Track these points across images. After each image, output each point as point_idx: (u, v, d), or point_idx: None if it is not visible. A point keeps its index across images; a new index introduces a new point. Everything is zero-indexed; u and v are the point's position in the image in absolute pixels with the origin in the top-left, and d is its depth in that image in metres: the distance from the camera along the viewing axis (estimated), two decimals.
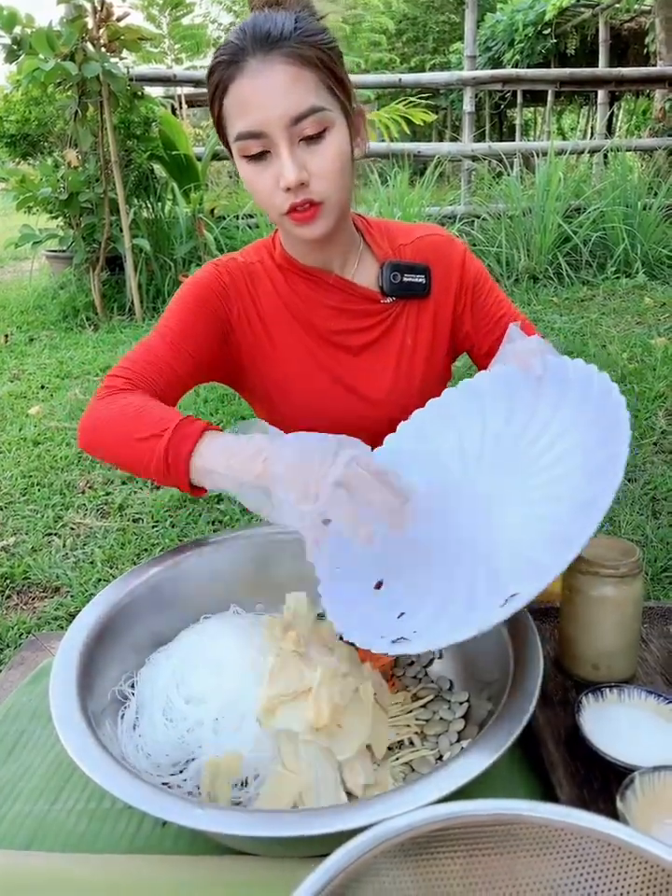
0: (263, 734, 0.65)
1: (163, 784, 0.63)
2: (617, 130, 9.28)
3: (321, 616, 0.81)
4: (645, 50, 8.32)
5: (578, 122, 12.42)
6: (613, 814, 0.60)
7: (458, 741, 0.68)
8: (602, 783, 0.63)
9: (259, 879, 0.57)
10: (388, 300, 0.96)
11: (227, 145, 0.84)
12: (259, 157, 0.79)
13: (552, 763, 0.65)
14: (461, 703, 0.72)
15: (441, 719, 0.71)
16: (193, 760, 0.65)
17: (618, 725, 0.67)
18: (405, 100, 5.22)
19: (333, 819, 0.49)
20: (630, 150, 5.30)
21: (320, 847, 0.54)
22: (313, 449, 0.63)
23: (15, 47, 3.57)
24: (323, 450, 0.62)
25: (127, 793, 0.51)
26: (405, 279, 0.94)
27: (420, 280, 0.95)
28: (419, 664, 0.79)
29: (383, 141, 5.12)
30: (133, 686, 0.72)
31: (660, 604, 0.89)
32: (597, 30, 8.04)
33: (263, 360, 0.97)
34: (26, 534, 2.02)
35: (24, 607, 1.73)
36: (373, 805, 0.50)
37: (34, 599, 1.76)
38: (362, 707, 0.65)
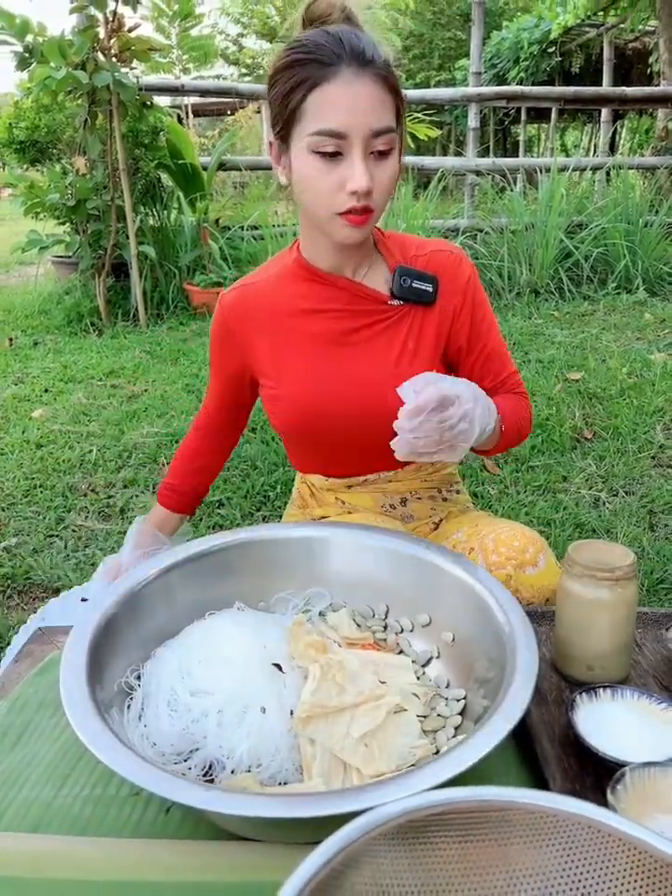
0: (265, 726, 0.66)
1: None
2: (619, 148, 9.37)
3: (359, 626, 0.84)
4: (648, 70, 8.41)
5: (581, 140, 12.52)
6: (604, 807, 0.62)
7: (455, 736, 0.70)
8: (594, 779, 0.65)
9: (261, 863, 0.58)
10: (396, 302, 1.01)
11: (284, 135, 0.88)
12: (331, 156, 0.84)
13: (545, 758, 0.67)
14: (458, 700, 0.74)
15: (438, 715, 0.73)
16: (197, 750, 0.66)
17: (610, 724, 0.69)
18: (410, 115, 5.28)
19: (333, 803, 0.51)
20: (632, 168, 5.36)
21: (320, 832, 0.56)
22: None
23: (27, 55, 3.62)
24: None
25: (135, 775, 0.53)
26: (415, 285, 0.99)
27: (428, 289, 1.00)
28: (418, 663, 0.81)
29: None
30: (139, 678, 0.74)
31: (654, 610, 0.91)
32: (602, 49, 8.15)
33: (270, 366, 1.04)
34: (28, 535, 2.04)
35: (25, 607, 1.75)
36: (371, 791, 0.52)
37: (35, 599, 1.77)
38: (393, 729, 0.68)
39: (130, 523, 2.08)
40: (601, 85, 7.59)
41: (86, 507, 2.19)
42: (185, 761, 0.66)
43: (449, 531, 1.10)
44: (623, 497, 2.15)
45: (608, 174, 5.19)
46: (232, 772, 0.64)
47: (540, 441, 2.47)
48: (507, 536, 0.98)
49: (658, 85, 6.45)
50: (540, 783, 0.67)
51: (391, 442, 0.81)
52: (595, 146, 9.10)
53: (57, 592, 1.80)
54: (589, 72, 9.36)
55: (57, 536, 2.05)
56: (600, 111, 6.45)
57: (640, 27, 8.17)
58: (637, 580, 0.75)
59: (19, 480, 2.35)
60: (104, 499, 2.24)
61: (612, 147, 8.23)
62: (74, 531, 2.07)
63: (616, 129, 9.68)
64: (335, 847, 0.47)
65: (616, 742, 0.67)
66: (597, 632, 0.74)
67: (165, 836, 0.63)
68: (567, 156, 9.34)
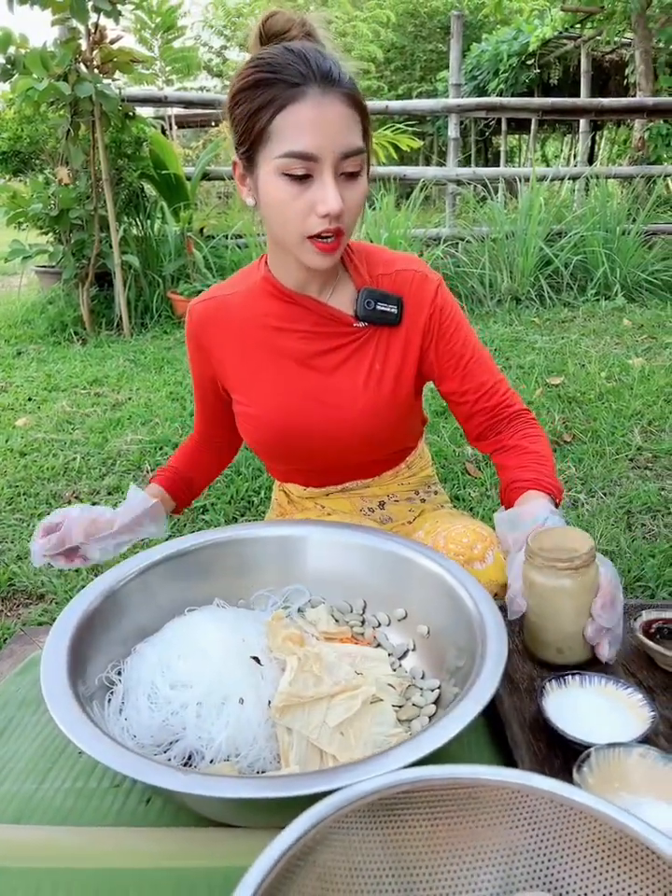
0: (243, 716, 0.68)
1: None
2: (598, 158, 9.51)
3: (337, 622, 0.86)
4: (625, 81, 8.57)
5: (561, 150, 12.70)
6: None
7: (430, 725, 0.72)
8: (562, 760, 0.67)
9: (240, 848, 0.60)
10: (360, 324, 1.00)
11: (249, 156, 0.86)
12: (301, 179, 0.83)
13: (515, 742, 0.69)
14: (432, 690, 0.76)
15: (413, 705, 0.75)
16: (177, 740, 0.68)
17: (578, 709, 0.71)
18: (392, 126, 5.35)
19: (306, 783, 0.53)
20: (610, 177, 5.45)
21: (296, 815, 0.58)
22: None
23: (9, 66, 3.63)
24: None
25: (114, 762, 0.55)
26: (379, 307, 0.98)
27: (392, 310, 0.99)
28: (394, 655, 0.83)
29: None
30: (119, 674, 0.75)
31: (625, 601, 0.93)
32: (579, 61, 8.28)
33: (240, 382, 1.04)
34: (12, 542, 2.04)
35: (9, 613, 1.75)
36: (344, 772, 0.54)
37: (18, 606, 1.78)
38: (369, 718, 0.70)
39: None
40: (579, 96, 7.71)
41: None
42: (165, 752, 0.67)
43: (414, 530, 1.12)
44: (602, 497, 2.18)
45: (586, 183, 5.28)
46: (212, 761, 0.66)
47: None
48: (458, 533, 1.00)
49: (634, 96, 6.57)
50: (511, 766, 0.69)
51: (600, 653, 0.78)
52: (574, 156, 9.24)
53: (42, 597, 1.80)
54: (567, 83, 9.52)
55: None
56: (579, 122, 6.55)
57: (617, 39, 8.32)
58: (595, 563, 0.78)
59: (2, 488, 2.35)
60: None
61: (591, 158, 8.35)
62: None
63: (594, 139, 9.83)
64: (306, 824, 0.49)
65: (583, 726, 0.69)
66: (564, 617, 0.77)
67: (146, 825, 0.64)
68: (547, 166, 9.47)
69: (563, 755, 0.68)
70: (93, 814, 0.65)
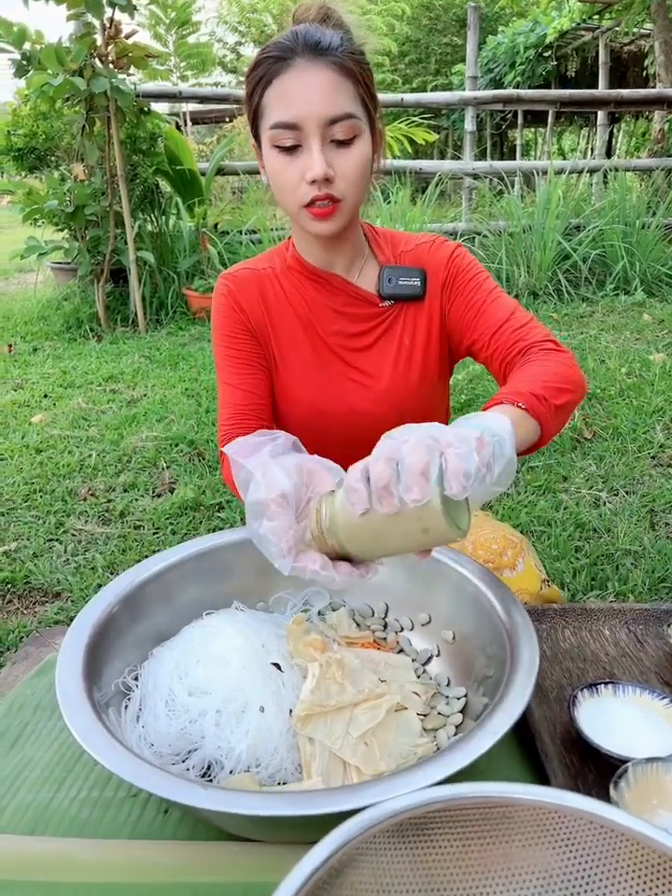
0: (264, 725, 0.66)
1: None
2: (616, 151, 9.39)
3: (358, 625, 0.84)
4: (644, 73, 8.45)
5: (577, 143, 12.56)
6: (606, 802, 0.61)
7: (456, 735, 0.70)
8: (596, 775, 0.65)
9: (261, 864, 0.58)
10: (386, 303, 0.99)
11: (256, 137, 0.89)
12: (290, 150, 0.84)
13: (547, 754, 0.66)
14: (459, 698, 0.74)
15: (439, 713, 0.73)
16: (195, 750, 0.66)
17: (612, 720, 0.69)
18: (407, 119, 5.30)
19: (332, 800, 0.51)
20: (629, 170, 5.36)
21: (319, 831, 0.55)
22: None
23: (24, 62, 3.63)
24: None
25: (132, 774, 0.52)
26: (401, 282, 0.98)
27: (415, 283, 0.98)
28: (418, 661, 0.81)
29: (385, 158, 5.17)
30: (136, 678, 0.73)
31: (655, 607, 0.90)
32: (597, 52, 8.17)
33: (275, 354, 1.02)
34: (28, 539, 2.03)
35: (25, 611, 1.74)
36: (371, 788, 0.52)
37: (34, 604, 1.77)
38: (394, 727, 0.67)
39: (131, 527, 2.08)
40: (597, 88, 7.61)
41: (85, 511, 2.19)
42: (183, 761, 0.65)
43: None
44: (624, 496, 2.14)
45: (604, 176, 5.20)
46: (231, 772, 0.64)
47: None
48: (487, 538, 0.98)
49: (654, 87, 6.47)
50: (542, 780, 0.66)
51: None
52: (591, 149, 9.14)
53: (58, 595, 1.79)
54: (585, 76, 9.39)
55: (57, 540, 2.04)
56: (596, 114, 6.47)
57: (635, 30, 8.20)
58: None
59: (18, 485, 2.34)
60: (103, 503, 2.23)
61: (609, 150, 8.24)
62: (73, 535, 2.07)
63: (612, 132, 9.70)
64: (334, 844, 0.47)
65: (618, 738, 0.66)
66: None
67: (163, 838, 0.62)
68: (563, 159, 9.36)
69: (596, 769, 0.65)
70: (110, 825, 0.63)
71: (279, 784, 0.64)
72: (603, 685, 0.71)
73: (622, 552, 1.84)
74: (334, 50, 0.82)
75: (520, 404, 0.74)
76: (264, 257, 1.05)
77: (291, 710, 0.67)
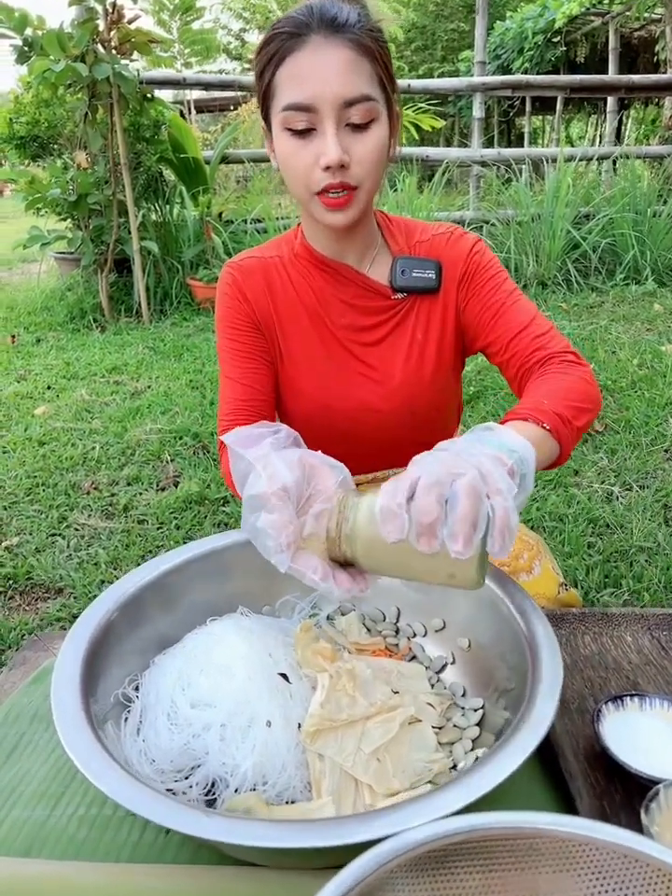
0: (271, 740, 0.62)
1: (168, 791, 0.60)
2: (625, 138, 9.27)
3: (369, 631, 0.80)
4: (655, 58, 8.32)
5: (586, 131, 12.41)
6: (636, 827, 0.58)
7: (473, 749, 0.66)
8: (623, 795, 0.61)
9: (267, 890, 0.54)
10: (399, 295, 0.95)
11: (267, 118, 0.84)
12: (303, 133, 0.79)
13: (571, 773, 0.62)
14: (475, 710, 0.70)
15: (455, 726, 0.69)
16: (199, 766, 0.62)
17: (638, 736, 0.65)
18: (414, 106, 5.22)
19: (346, 830, 0.47)
20: (639, 158, 5.28)
21: (331, 858, 0.52)
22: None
23: (26, 48, 3.58)
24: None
25: (130, 800, 0.49)
26: (415, 274, 0.93)
27: (430, 275, 0.93)
28: (432, 669, 0.77)
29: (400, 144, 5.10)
30: (136, 689, 0.70)
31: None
32: (607, 38, 8.05)
33: (282, 347, 0.98)
34: (30, 534, 2.00)
35: (27, 607, 1.71)
36: (388, 816, 0.48)
37: (37, 600, 1.74)
38: (408, 742, 0.64)
39: (135, 521, 2.05)
40: (607, 74, 7.49)
41: (89, 505, 2.16)
42: (186, 778, 0.62)
43: None
44: (637, 491, 2.10)
45: (614, 163, 5.12)
46: (236, 790, 0.60)
47: None
48: None
49: (665, 73, 6.36)
50: (564, 799, 0.62)
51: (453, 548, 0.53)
52: (600, 136, 9.02)
53: (60, 592, 1.76)
54: (594, 61, 9.25)
55: (59, 535, 2.01)
56: (605, 102, 6.37)
57: (646, 15, 8.07)
58: None
59: (21, 478, 2.31)
60: (107, 497, 2.20)
61: (618, 138, 8.13)
62: (76, 530, 2.04)
63: (621, 119, 9.57)
64: (350, 879, 0.43)
65: (646, 755, 0.62)
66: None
67: (165, 860, 0.59)
68: (571, 147, 9.23)
69: (623, 788, 0.62)
70: (108, 846, 0.60)
71: (287, 803, 0.61)
72: (629, 698, 0.67)
73: (636, 548, 1.79)
74: (352, 27, 0.76)
75: (545, 425, 0.71)
76: (272, 244, 1.00)
77: (300, 724, 0.64)
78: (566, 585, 0.95)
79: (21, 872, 0.57)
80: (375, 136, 0.80)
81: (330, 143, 0.77)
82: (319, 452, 0.66)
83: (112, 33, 3.67)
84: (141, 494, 2.21)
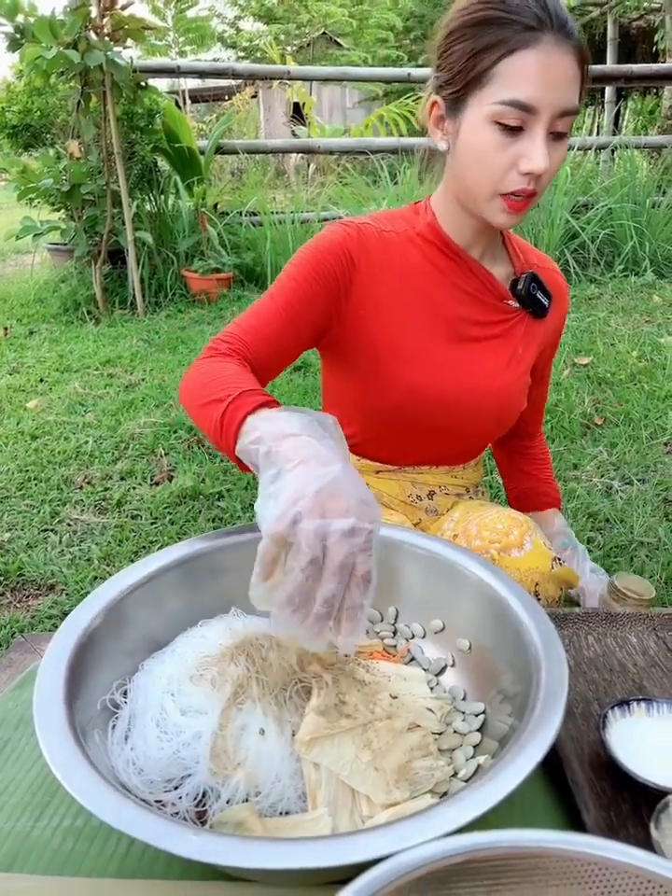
0: (264, 750, 0.60)
1: (157, 802, 0.58)
2: (623, 128, 9.20)
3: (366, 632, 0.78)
4: (654, 48, 8.25)
5: (583, 121, 12.33)
6: (644, 839, 0.55)
7: (474, 756, 0.64)
8: (631, 805, 0.59)
9: None
10: (513, 304, 0.97)
11: (457, 97, 0.80)
12: (512, 130, 0.77)
13: (577, 783, 0.60)
14: (477, 714, 0.68)
15: (455, 731, 0.67)
16: (189, 776, 0.60)
17: (646, 743, 0.62)
18: (414, 95, 5.17)
19: (343, 850, 0.45)
20: (638, 148, 5.24)
21: (326, 875, 0.50)
22: (342, 491, 0.55)
23: (17, 35, 3.52)
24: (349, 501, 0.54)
25: (116, 817, 0.47)
26: (539, 296, 0.97)
27: (546, 303, 0.98)
28: (431, 671, 0.74)
29: (391, 136, 5.06)
30: (125, 694, 0.67)
31: None
32: (606, 28, 7.97)
33: (376, 327, 0.93)
34: (22, 530, 1.97)
35: (18, 605, 1.69)
36: (386, 834, 0.46)
37: (28, 597, 1.71)
38: (407, 750, 0.62)
39: (128, 516, 2.02)
40: (605, 64, 7.42)
41: (82, 500, 2.13)
42: (175, 789, 0.59)
43: (443, 522, 1.05)
44: (637, 484, 2.07)
45: (613, 153, 5.08)
46: (228, 802, 0.58)
47: (550, 428, 2.40)
48: (491, 519, 0.93)
49: (663, 63, 6.31)
50: (569, 807, 0.60)
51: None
52: (597, 127, 8.95)
53: (52, 588, 1.73)
54: (592, 52, 9.13)
55: (52, 530, 1.98)
56: (603, 91, 6.31)
57: (645, 4, 8.00)
58: None
59: (12, 472, 2.28)
60: (100, 492, 2.17)
61: (616, 128, 8.07)
62: (69, 525, 2.01)
63: (619, 109, 9.50)
64: None
65: (652, 762, 0.60)
66: None
67: (155, 874, 0.56)
68: (571, 136, 9.14)
69: (631, 798, 0.59)
70: (95, 859, 0.58)
71: (281, 814, 0.58)
72: (635, 703, 0.65)
73: (636, 543, 1.77)
74: (575, 35, 0.76)
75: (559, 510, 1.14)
76: (384, 217, 0.95)
77: (294, 732, 0.61)
78: (559, 560, 0.93)
79: (3, 888, 0.55)
80: (564, 148, 0.82)
81: (540, 150, 0.77)
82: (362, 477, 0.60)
83: (105, 19, 3.61)
84: (135, 488, 2.18)
